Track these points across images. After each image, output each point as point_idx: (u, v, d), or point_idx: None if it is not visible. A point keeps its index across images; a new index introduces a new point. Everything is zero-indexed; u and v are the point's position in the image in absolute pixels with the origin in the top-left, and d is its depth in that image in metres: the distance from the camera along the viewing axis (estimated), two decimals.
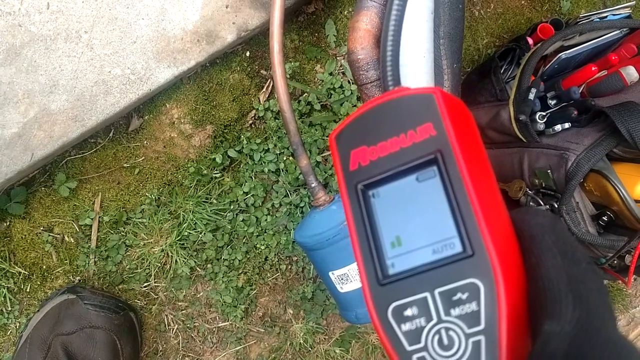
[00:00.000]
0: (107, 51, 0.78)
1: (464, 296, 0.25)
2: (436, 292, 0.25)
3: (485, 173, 0.28)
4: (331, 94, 0.94)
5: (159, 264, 0.93)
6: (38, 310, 0.84)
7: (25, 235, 0.86)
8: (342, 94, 0.94)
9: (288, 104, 0.71)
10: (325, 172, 0.95)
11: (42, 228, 0.87)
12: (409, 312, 0.26)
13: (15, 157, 0.75)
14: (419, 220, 0.27)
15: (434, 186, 0.26)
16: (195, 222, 0.93)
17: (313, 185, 0.70)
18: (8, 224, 0.85)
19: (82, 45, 0.76)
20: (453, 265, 0.25)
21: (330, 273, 0.63)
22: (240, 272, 0.98)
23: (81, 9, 0.75)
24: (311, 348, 1.03)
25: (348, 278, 0.62)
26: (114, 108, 0.79)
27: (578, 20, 1.03)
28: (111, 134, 0.86)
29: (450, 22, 0.58)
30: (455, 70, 0.58)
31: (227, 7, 0.83)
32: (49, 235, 0.87)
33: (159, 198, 0.91)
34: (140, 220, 0.91)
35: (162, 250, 0.92)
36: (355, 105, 0.94)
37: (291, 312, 1.02)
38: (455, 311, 0.25)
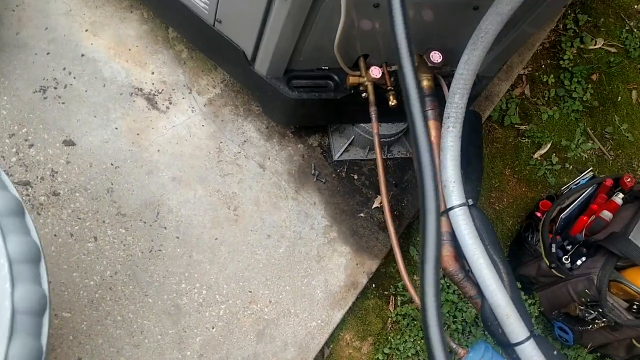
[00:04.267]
0: (306, 314, 1.33)
1: None
2: None
3: None
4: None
5: None
6: None
7: None
8: None
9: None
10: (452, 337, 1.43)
11: None
12: None
13: None
14: None
15: None
16: None
17: (454, 347, 1.18)
18: None
19: (293, 317, 1.32)
20: None
21: None
22: None
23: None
24: None
25: None
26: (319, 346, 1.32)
27: (563, 190, 1.58)
28: None
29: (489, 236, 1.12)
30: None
31: (357, 265, 1.41)
32: None
33: None
34: None
35: None
36: None
37: None
38: None
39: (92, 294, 1.20)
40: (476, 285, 1.09)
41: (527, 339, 1.04)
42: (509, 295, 1.05)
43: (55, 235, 1.21)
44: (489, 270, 1.04)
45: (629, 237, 1.33)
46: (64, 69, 1.32)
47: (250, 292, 1.31)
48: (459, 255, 1.11)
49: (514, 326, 1.03)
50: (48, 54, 1.31)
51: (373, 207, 1.48)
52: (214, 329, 1.26)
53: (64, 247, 1.21)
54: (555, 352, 1.08)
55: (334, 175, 1.48)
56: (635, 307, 1.32)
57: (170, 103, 1.39)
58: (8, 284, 0.69)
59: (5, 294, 0.68)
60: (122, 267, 1.23)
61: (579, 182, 1.56)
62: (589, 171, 1.58)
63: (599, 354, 1.56)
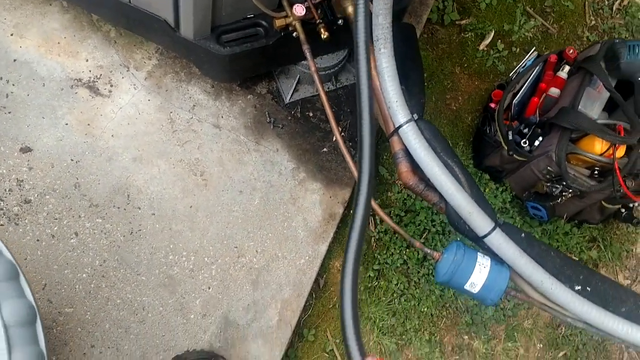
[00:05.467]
0: (293, 254, 1.40)
1: None
2: None
3: None
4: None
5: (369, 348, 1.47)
6: None
7: None
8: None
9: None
10: (429, 243, 1.51)
11: None
12: None
13: None
14: None
15: None
16: (383, 317, 1.48)
17: (428, 252, 1.25)
18: None
19: (281, 260, 1.39)
20: None
21: (464, 287, 1.16)
22: (425, 328, 1.51)
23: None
24: (493, 351, 1.52)
25: (473, 284, 1.15)
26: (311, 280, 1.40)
27: (512, 76, 1.61)
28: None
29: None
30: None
31: (331, 197, 1.46)
32: None
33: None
34: None
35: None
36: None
37: (467, 337, 1.53)
38: None
39: (87, 286, 1.26)
40: (437, 191, 1.15)
41: (493, 229, 1.11)
42: (468, 193, 1.11)
43: (38, 240, 1.26)
44: (445, 175, 1.10)
45: (578, 109, 1.38)
46: (1, 78, 1.32)
47: (236, 247, 1.38)
48: (416, 168, 1.15)
49: (478, 221, 1.10)
50: None
51: (334, 139, 1.52)
52: (210, 289, 1.33)
53: (49, 248, 1.26)
54: (522, 235, 1.15)
55: (289, 117, 1.51)
56: (595, 172, 1.39)
57: (112, 86, 1.39)
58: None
59: None
60: (108, 254, 1.29)
61: (525, 64, 1.58)
62: (533, 51, 1.60)
63: (576, 222, 1.65)
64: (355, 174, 1.15)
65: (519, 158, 1.47)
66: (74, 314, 1.25)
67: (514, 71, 1.61)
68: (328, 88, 1.54)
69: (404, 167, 1.17)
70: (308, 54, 1.23)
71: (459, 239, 1.40)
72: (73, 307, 1.25)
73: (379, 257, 1.51)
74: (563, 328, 1.60)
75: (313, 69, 1.24)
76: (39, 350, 0.81)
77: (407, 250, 1.52)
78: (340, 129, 1.32)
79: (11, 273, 0.82)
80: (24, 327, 0.80)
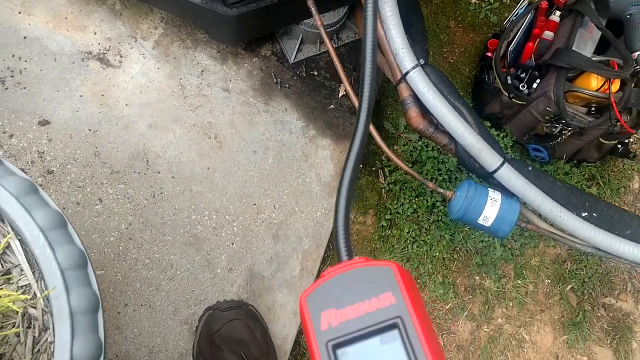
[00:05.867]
0: (309, 208, 1.46)
1: None
2: None
3: (433, 335, 0.33)
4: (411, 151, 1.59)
5: None
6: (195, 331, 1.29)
7: None
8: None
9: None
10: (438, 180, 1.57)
11: None
12: None
13: None
14: None
15: (396, 349, 0.31)
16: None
17: (441, 192, 1.32)
18: None
19: (299, 214, 1.45)
20: None
21: (477, 221, 1.22)
22: (438, 271, 1.58)
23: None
24: (504, 289, 1.60)
25: (486, 218, 1.21)
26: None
27: (505, 25, 1.66)
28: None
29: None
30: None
31: (341, 152, 1.52)
32: None
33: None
34: None
35: None
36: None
37: (478, 277, 1.60)
38: None
39: (116, 248, 1.31)
40: (447, 133, 1.20)
41: (502, 164, 1.17)
42: (476, 132, 1.17)
43: (63, 208, 1.30)
44: (454, 116, 1.15)
45: (573, 48, 1.44)
46: (13, 55, 1.35)
47: (254, 204, 1.43)
48: (425, 112, 1.21)
49: (487, 157, 1.16)
50: None
51: (340, 96, 1.57)
52: (234, 245, 1.38)
53: (75, 215, 1.31)
54: (529, 168, 1.21)
55: (295, 77, 1.55)
56: (593, 108, 1.45)
57: (121, 56, 1.43)
58: (64, 291, 0.80)
59: (62, 298, 0.80)
60: (133, 217, 1.33)
61: (517, 13, 1.64)
62: (524, 0, 1.66)
63: (575, 162, 1.72)
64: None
65: (518, 102, 1.53)
66: (105, 276, 1.30)
67: (507, 20, 1.67)
68: None
69: (413, 112, 1.22)
70: (314, 10, 1.27)
71: (466, 179, 1.45)
72: (104, 270, 1.30)
73: (390, 207, 1.57)
74: (569, 263, 1.67)
75: (319, 23, 1.28)
76: (93, 291, 0.86)
77: (417, 199, 1.58)
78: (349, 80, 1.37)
79: (59, 221, 0.86)
80: (77, 270, 0.85)
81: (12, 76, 1.34)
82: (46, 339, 0.86)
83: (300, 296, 0.36)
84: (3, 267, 0.85)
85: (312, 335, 0.34)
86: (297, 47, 1.53)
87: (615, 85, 1.42)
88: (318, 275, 1.45)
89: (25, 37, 1.38)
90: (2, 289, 0.81)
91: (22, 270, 0.86)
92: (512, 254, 1.63)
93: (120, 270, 1.31)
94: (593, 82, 1.41)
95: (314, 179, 1.49)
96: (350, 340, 0.33)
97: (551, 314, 1.62)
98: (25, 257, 0.86)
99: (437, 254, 1.58)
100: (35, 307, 0.86)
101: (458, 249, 1.61)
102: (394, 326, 0.32)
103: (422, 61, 1.19)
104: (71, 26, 1.42)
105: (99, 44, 1.42)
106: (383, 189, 1.59)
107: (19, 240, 0.86)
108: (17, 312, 0.84)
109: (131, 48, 1.44)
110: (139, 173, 1.36)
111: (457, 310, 1.58)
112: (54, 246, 0.84)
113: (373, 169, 1.61)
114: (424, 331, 0.32)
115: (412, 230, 1.57)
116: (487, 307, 1.59)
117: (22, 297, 0.78)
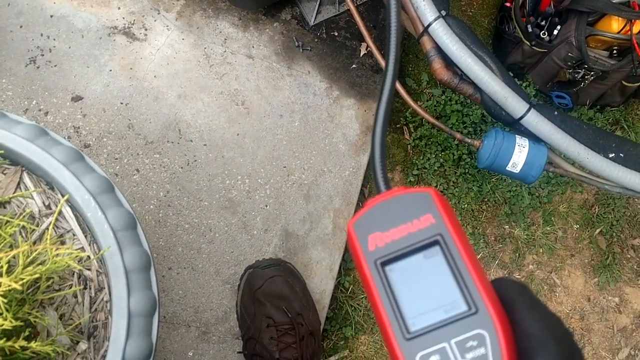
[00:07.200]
0: (337, 168, 1.49)
1: (474, 343, 0.32)
2: (452, 341, 0.32)
3: (471, 249, 0.36)
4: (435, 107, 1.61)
5: None
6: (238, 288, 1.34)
7: None
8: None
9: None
10: (462, 144, 1.59)
11: None
12: (432, 359, 0.33)
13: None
14: (430, 288, 0.34)
15: (439, 261, 0.35)
16: None
17: (469, 142, 1.34)
18: None
19: (327, 174, 1.48)
20: (462, 321, 0.33)
21: (506, 168, 1.24)
22: (468, 223, 1.61)
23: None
24: (534, 236, 1.63)
25: (515, 164, 1.24)
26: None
27: None
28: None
29: None
30: None
31: (365, 111, 1.54)
32: None
33: None
34: None
35: None
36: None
37: (507, 227, 1.63)
38: (469, 355, 0.32)
39: (156, 216, 1.36)
40: (471, 83, 1.22)
41: (528, 110, 1.18)
42: (501, 80, 1.18)
43: None
44: (478, 65, 1.16)
45: None
46: (42, 35, 1.39)
47: (284, 167, 1.47)
48: (449, 64, 1.22)
49: (514, 104, 1.17)
50: (21, 27, 1.37)
51: (361, 54, 1.58)
52: (268, 206, 1.43)
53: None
54: (556, 113, 1.23)
55: (316, 40, 1.57)
56: (615, 51, 1.45)
57: (146, 30, 1.46)
58: (117, 251, 0.84)
59: (117, 258, 0.85)
60: (170, 185, 1.38)
61: None
62: None
63: (598, 107, 1.72)
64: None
65: (539, 50, 1.54)
66: (148, 242, 1.35)
67: None
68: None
69: (437, 64, 1.24)
70: None
71: (493, 128, 1.47)
72: (146, 236, 1.35)
73: (417, 162, 1.60)
74: (596, 208, 1.69)
75: None
76: (144, 250, 0.91)
77: (443, 153, 1.61)
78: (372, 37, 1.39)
79: (107, 186, 0.91)
80: (127, 230, 0.90)
81: (43, 55, 1.38)
82: (102, 298, 0.91)
83: (347, 223, 0.39)
84: (56, 233, 0.90)
85: (361, 256, 0.36)
86: (316, 9, 1.54)
87: (637, 26, 1.41)
88: None
89: (51, 16, 1.41)
90: (60, 249, 0.86)
91: (74, 235, 0.92)
92: (540, 202, 1.65)
93: (162, 236, 1.36)
94: (614, 25, 1.41)
95: (340, 139, 1.52)
96: (396, 258, 0.36)
97: (581, 258, 1.65)
98: (77, 222, 0.91)
99: (466, 205, 1.61)
100: (89, 269, 0.91)
101: (486, 200, 1.64)
102: (435, 242, 0.35)
103: (443, 12, 1.20)
104: (95, 2, 1.45)
105: (124, 18, 1.45)
106: (409, 145, 1.62)
107: (69, 206, 0.91)
108: (74, 272, 0.89)
109: (155, 21, 1.47)
110: (172, 142, 1.41)
111: (489, 259, 1.61)
112: (104, 209, 0.89)
113: (397, 126, 1.63)
114: (463, 245, 0.35)
115: (440, 184, 1.60)
116: (517, 254, 1.62)
117: (83, 254, 0.83)
